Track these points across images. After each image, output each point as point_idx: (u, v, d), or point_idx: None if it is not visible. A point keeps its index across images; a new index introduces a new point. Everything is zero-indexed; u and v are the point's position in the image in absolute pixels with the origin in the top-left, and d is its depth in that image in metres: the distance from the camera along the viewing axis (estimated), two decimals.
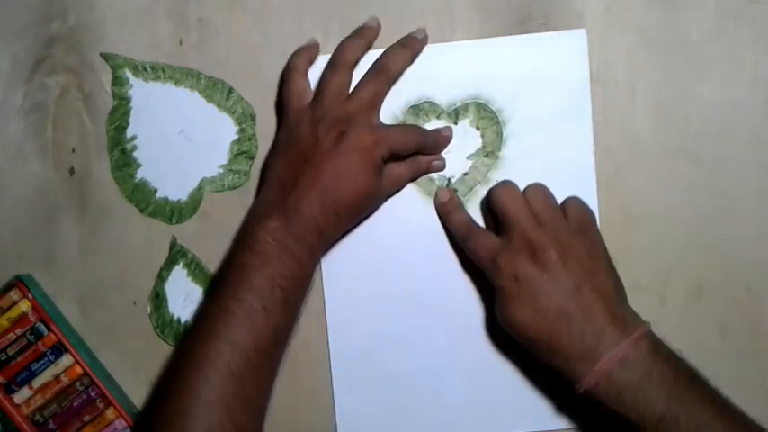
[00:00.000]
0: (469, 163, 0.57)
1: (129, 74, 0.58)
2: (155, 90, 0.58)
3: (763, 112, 0.56)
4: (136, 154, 0.58)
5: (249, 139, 0.58)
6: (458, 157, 0.57)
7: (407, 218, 0.57)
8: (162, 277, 0.58)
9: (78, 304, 0.59)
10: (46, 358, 0.56)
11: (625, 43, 0.57)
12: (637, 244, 0.57)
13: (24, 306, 0.56)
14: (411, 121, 0.57)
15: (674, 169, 0.57)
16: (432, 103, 0.57)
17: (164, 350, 0.58)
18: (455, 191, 0.57)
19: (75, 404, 0.56)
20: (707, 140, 0.57)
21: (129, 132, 0.58)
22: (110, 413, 0.56)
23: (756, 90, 0.56)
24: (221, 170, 0.58)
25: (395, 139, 0.53)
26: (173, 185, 0.58)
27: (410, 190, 0.57)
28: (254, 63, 0.58)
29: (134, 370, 0.59)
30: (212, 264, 0.58)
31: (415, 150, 0.55)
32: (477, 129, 0.57)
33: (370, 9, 0.57)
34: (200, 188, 0.58)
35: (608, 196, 0.57)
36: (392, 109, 0.57)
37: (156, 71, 0.57)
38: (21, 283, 0.56)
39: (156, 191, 0.58)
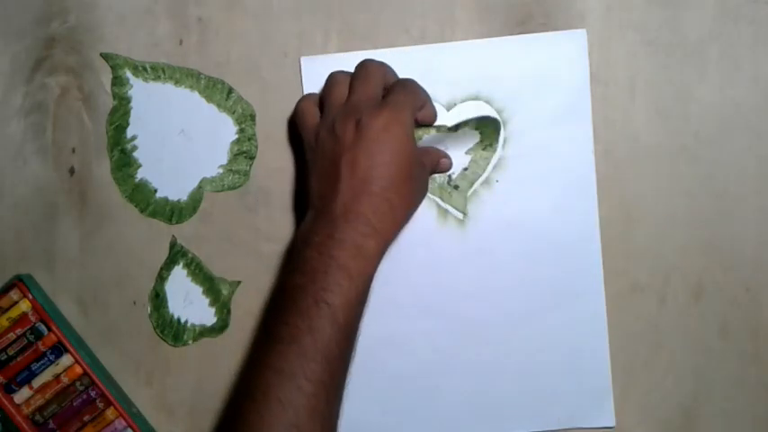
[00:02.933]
0: (468, 158, 0.57)
1: (129, 74, 0.58)
2: (155, 90, 0.58)
3: (763, 112, 0.56)
4: (136, 154, 0.58)
5: (249, 139, 0.58)
6: (456, 154, 0.57)
7: None
8: (162, 277, 0.58)
9: (78, 304, 0.59)
10: (46, 358, 0.56)
11: (625, 43, 0.57)
12: (637, 244, 0.57)
13: (24, 306, 0.56)
14: None
15: (674, 169, 0.57)
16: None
17: (164, 350, 0.58)
18: (456, 187, 0.57)
19: (75, 404, 0.56)
20: (707, 140, 0.57)
21: (129, 132, 0.58)
22: (110, 413, 0.56)
23: (756, 90, 0.56)
24: (221, 170, 0.58)
25: (407, 100, 0.51)
26: (173, 185, 0.58)
27: None
28: (254, 63, 0.58)
29: (134, 370, 0.59)
30: (212, 264, 0.58)
31: (429, 112, 0.54)
32: (475, 129, 0.57)
33: (370, 9, 0.57)
34: (200, 188, 0.58)
35: (608, 196, 0.57)
36: None
37: (156, 71, 0.58)
38: (21, 283, 0.56)
39: (156, 191, 0.58)
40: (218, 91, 0.58)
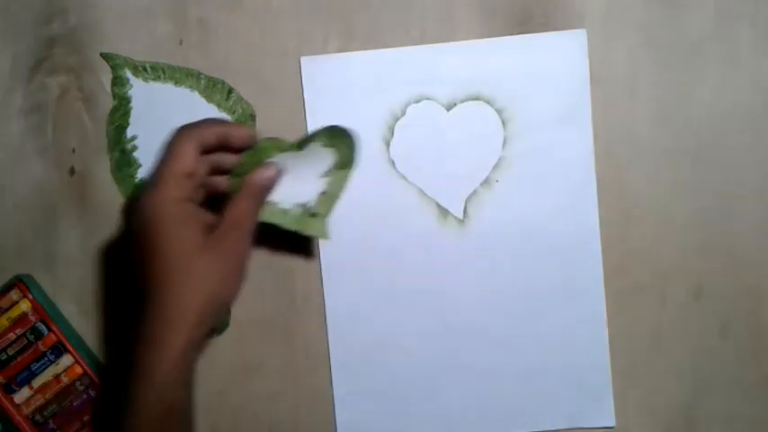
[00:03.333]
0: (325, 180, 0.54)
1: (129, 74, 0.58)
2: (155, 90, 0.58)
3: (763, 112, 0.56)
4: (136, 154, 0.58)
5: None
6: (310, 178, 0.53)
7: (407, 219, 0.57)
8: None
9: (78, 304, 0.59)
10: (46, 358, 0.56)
11: (625, 43, 0.57)
12: (637, 244, 0.57)
13: (24, 306, 0.56)
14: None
15: (674, 169, 0.57)
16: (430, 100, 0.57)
17: None
18: (314, 215, 0.53)
19: (75, 404, 0.56)
20: (707, 140, 0.57)
21: (129, 132, 0.58)
22: None
23: (756, 90, 0.56)
24: None
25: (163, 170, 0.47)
26: None
27: (409, 191, 0.57)
28: (254, 63, 0.58)
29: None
30: None
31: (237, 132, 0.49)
32: (327, 147, 0.53)
33: (370, 9, 0.57)
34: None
35: (608, 196, 0.57)
36: (392, 108, 0.57)
37: (155, 71, 0.58)
38: (21, 283, 0.56)
39: None
40: (218, 91, 0.58)
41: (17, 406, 0.56)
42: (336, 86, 0.57)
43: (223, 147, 0.49)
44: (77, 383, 0.56)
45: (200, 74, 0.57)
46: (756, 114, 0.56)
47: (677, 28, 0.56)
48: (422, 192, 0.57)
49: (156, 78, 0.58)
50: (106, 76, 0.58)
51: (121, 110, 0.58)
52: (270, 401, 0.58)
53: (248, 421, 0.58)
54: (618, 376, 0.57)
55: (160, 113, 0.58)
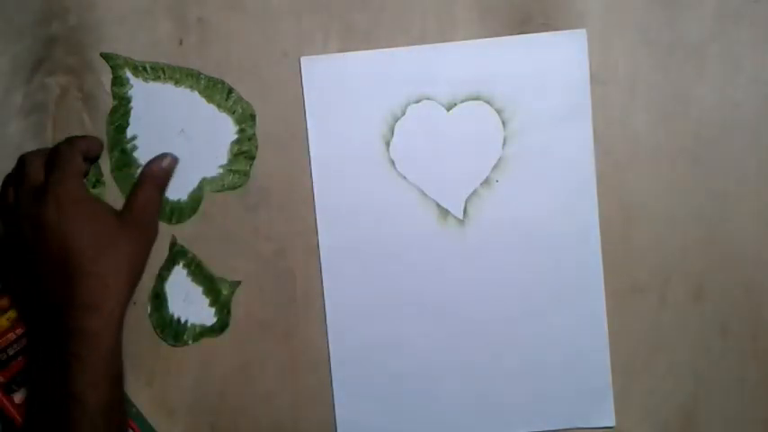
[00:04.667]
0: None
1: (129, 74, 0.58)
2: (155, 90, 0.58)
3: (763, 112, 0.56)
4: (136, 154, 0.58)
5: (249, 140, 0.58)
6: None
7: (407, 219, 0.57)
8: (162, 277, 0.58)
9: None
10: None
11: (625, 43, 0.57)
12: (637, 244, 0.57)
13: None
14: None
15: (674, 169, 0.57)
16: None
17: (163, 350, 0.58)
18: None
19: None
20: (707, 140, 0.57)
21: (129, 132, 0.58)
22: None
23: (756, 90, 0.56)
24: (221, 170, 0.58)
25: (62, 168, 0.53)
26: (173, 185, 0.58)
27: (409, 191, 0.57)
28: (254, 63, 0.58)
29: (134, 370, 0.58)
30: (212, 264, 0.58)
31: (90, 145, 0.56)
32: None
33: (370, 9, 0.57)
34: (200, 188, 0.58)
35: (608, 196, 0.57)
36: (392, 108, 0.57)
37: (155, 71, 0.57)
38: None
39: None
40: (218, 91, 0.58)
41: (17, 406, 0.56)
42: (336, 86, 0.57)
43: (86, 159, 0.56)
44: None
45: (200, 74, 0.57)
46: (756, 114, 0.56)
47: (677, 28, 0.56)
48: (422, 192, 0.57)
49: (156, 78, 0.58)
50: (106, 76, 0.58)
51: (121, 110, 0.58)
52: (270, 401, 0.58)
53: (248, 421, 0.58)
54: (618, 376, 0.57)
55: (160, 113, 0.58)
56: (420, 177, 0.57)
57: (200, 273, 0.58)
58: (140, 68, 0.58)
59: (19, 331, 0.56)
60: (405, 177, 0.57)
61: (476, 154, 0.57)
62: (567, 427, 0.58)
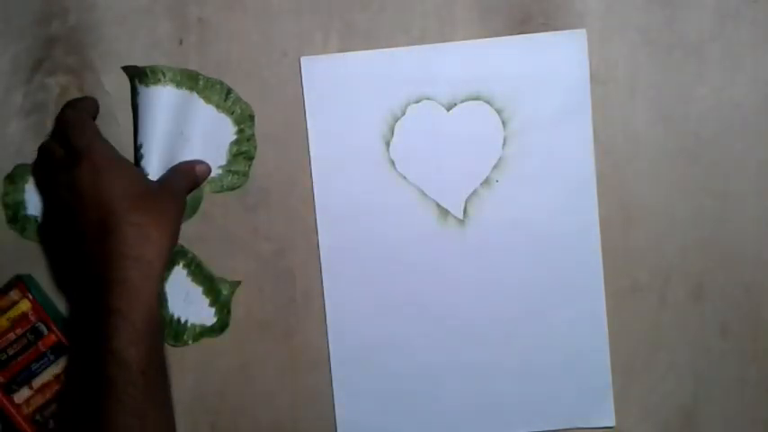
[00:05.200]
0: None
1: (136, 81, 0.57)
2: (156, 94, 0.57)
3: (763, 112, 0.56)
4: (143, 163, 0.57)
5: (248, 140, 0.58)
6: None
7: (407, 219, 0.57)
8: (162, 277, 0.58)
9: None
10: (46, 358, 0.56)
11: (625, 43, 0.57)
12: (637, 244, 0.57)
13: (24, 306, 0.56)
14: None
15: (674, 169, 0.57)
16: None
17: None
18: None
19: None
20: (707, 140, 0.57)
21: (137, 140, 0.57)
22: None
23: (756, 90, 0.56)
24: (220, 171, 0.58)
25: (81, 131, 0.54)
26: None
27: (409, 191, 0.57)
28: (254, 63, 0.58)
29: None
30: (212, 264, 0.58)
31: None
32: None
33: (370, 9, 0.57)
34: (199, 189, 0.58)
35: (608, 196, 0.57)
36: (392, 108, 0.57)
37: (155, 74, 0.57)
38: (21, 283, 0.56)
39: None
40: (216, 92, 0.57)
41: (17, 406, 0.56)
42: (336, 86, 0.57)
43: None
44: None
45: (198, 74, 0.57)
46: (756, 114, 0.56)
47: (677, 28, 0.56)
48: (422, 192, 0.57)
49: (157, 82, 0.57)
50: (106, 76, 0.58)
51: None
52: (270, 401, 0.58)
53: (248, 421, 0.58)
54: (618, 376, 0.57)
55: (163, 118, 0.57)
56: (420, 177, 0.57)
57: (200, 273, 0.58)
58: (142, 74, 0.57)
59: (19, 331, 0.56)
60: (405, 177, 0.57)
61: (476, 154, 0.57)
62: (567, 427, 0.58)
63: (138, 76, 0.57)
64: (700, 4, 0.56)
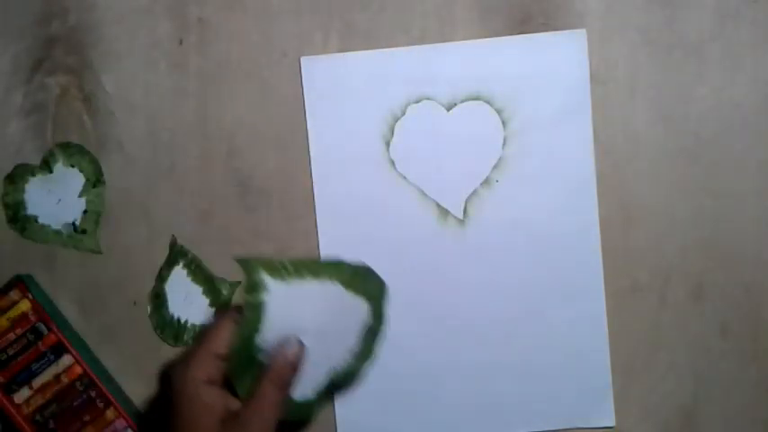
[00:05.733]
0: (83, 199, 0.58)
1: (265, 276, 0.49)
2: (293, 289, 0.49)
3: (763, 112, 0.56)
4: (262, 356, 0.49)
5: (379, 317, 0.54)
6: (70, 200, 0.58)
7: (407, 219, 0.57)
8: (162, 277, 0.58)
9: (78, 304, 0.59)
10: (46, 358, 0.56)
11: (625, 43, 0.57)
12: (637, 244, 0.57)
13: (24, 306, 0.56)
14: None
15: (674, 169, 0.57)
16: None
17: (164, 350, 0.58)
18: (83, 231, 0.57)
19: (75, 404, 0.56)
20: (707, 140, 0.57)
21: (258, 339, 0.49)
22: (110, 413, 0.56)
23: (756, 90, 0.56)
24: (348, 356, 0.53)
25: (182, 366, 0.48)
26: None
27: (409, 191, 0.57)
28: (254, 63, 0.58)
29: (134, 370, 0.59)
30: (212, 264, 0.58)
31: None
32: (73, 167, 0.57)
33: (370, 9, 0.57)
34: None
35: (608, 196, 0.57)
36: (392, 108, 0.57)
37: (297, 268, 0.49)
38: (21, 283, 0.56)
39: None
40: (360, 277, 0.52)
41: (17, 406, 0.56)
42: (336, 86, 0.57)
43: None
44: (77, 383, 0.56)
45: (342, 262, 0.51)
46: (756, 114, 0.56)
47: (677, 28, 0.56)
48: (422, 192, 0.57)
49: (299, 275, 0.49)
50: (106, 76, 0.58)
51: (253, 319, 0.48)
52: None
53: None
54: (618, 376, 0.57)
55: (296, 313, 0.50)
56: (420, 177, 0.57)
57: (200, 273, 0.58)
58: (279, 267, 0.49)
59: (19, 331, 0.56)
60: (405, 177, 0.57)
61: (476, 154, 0.57)
62: (567, 427, 0.58)
63: (274, 271, 0.49)
64: (700, 4, 0.56)
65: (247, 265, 0.49)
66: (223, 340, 0.47)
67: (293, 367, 0.49)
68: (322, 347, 0.50)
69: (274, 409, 0.47)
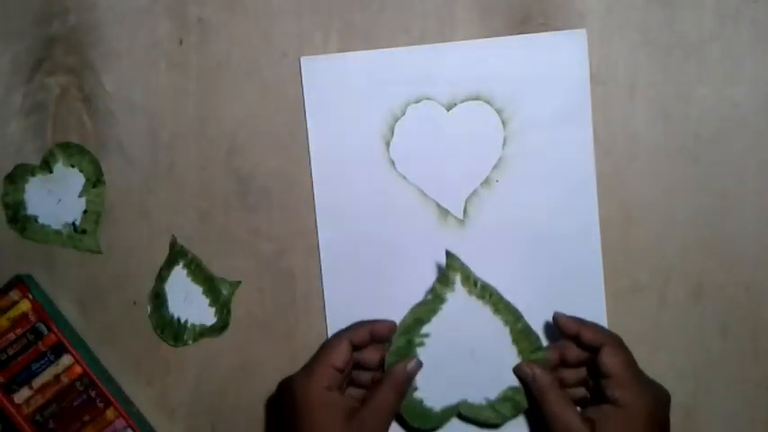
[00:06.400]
0: (83, 199, 0.58)
1: (457, 279, 0.54)
2: (470, 305, 0.54)
3: (763, 112, 0.56)
4: (420, 349, 0.55)
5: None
6: (70, 200, 0.58)
7: (407, 219, 0.57)
8: (162, 277, 0.58)
9: (78, 304, 0.59)
10: (46, 358, 0.56)
11: (625, 43, 0.57)
12: (637, 244, 0.57)
13: (24, 306, 0.56)
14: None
15: (674, 169, 0.57)
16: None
17: (164, 350, 0.58)
18: (83, 231, 0.57)
19: (75, 404, 0.56)
20: (707, 140, 0.57)
21: (425, 329, 0.55)
22: (110, 413, 0.56)
23: (756, 90, 0.56)
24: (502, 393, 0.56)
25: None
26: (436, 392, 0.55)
27: (409, 191, 0.57)
28: (254, 63, 0.58)
29: (134, 370, 0.59)
30: (212, 264, 0.58)
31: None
32: (73, 167, 0.58)
33: (370, 9, 0.57)
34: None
35: (608, 196, 0.57)
36: (392, 108, 0.57)
37: (485, 290, 0.54)
38: (21, 283, 0.56)
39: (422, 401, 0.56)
40: (526, 339, 0.54)
41: (17, 406, 0.56)
42: (336, 86, 0.57)
43: (373, 340, 0.55)
44: (77, 383, 0.56)
45: (520, 317, 0.55)
46: (756, 114, 0.56)
47: (677, 28, 0.56)
48: (422, 192, 0.57)
49: (481, 297, 0.54)
50: (106, 76, 0.58)
51: (430, 305, 0.55)
52: None
53: (248, 421, 0.58)
54: None
55: (463, 324, 0.54)
56: (420, 177, 0.57)
57: (200, 273, 0.58)
58: (471, 280, 0.54)
59: (19, 331, 0.56)
60: (405, 177, 0.58)
61: (476, 154, 0.57)
62: None
63: (467, 280, 0.55)
64: (700, 4, 0.56)
65: (453, 260, 0.54)
66: (340, 353, 0.53)
67: (408, 378, 0.54)
68: (462, 371, 0.55)
69: (390, 409, 0.53)
